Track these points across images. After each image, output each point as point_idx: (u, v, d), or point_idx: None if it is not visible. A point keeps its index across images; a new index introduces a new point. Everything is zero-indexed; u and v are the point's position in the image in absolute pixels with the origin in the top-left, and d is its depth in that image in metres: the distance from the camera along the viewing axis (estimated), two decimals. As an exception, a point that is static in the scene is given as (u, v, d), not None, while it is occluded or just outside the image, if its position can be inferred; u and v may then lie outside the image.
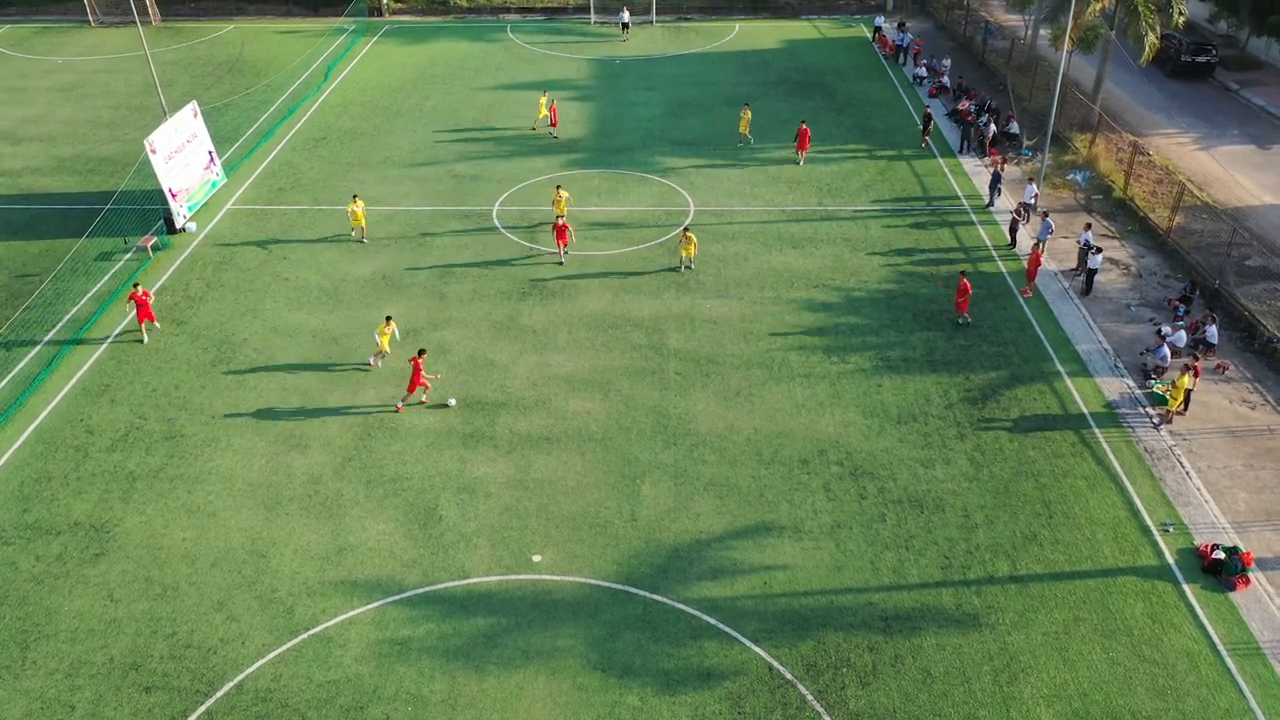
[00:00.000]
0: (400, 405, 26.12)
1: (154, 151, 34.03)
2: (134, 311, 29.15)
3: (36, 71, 52.78)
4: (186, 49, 56.07)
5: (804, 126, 40.36)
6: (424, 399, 26.30)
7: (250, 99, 47.70)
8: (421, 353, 25.90)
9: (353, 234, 34.63)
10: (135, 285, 29.18)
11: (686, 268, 32.18)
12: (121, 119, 45.99)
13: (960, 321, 29.17)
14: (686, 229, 32.30)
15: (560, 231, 32.34)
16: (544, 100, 43.67)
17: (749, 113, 42.19)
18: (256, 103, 47.27)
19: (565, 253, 32.92)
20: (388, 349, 27.50)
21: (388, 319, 27.71)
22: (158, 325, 29.57)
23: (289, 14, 62.20)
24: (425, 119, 45.44)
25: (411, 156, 41.46)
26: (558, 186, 35.00)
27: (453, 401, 26.00)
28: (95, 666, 19.36)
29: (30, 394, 27.08)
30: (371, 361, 27.76)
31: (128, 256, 33.75)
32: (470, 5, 63.16)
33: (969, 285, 28.91)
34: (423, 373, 25.73)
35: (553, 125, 43.59)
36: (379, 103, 47.53)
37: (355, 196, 34.61)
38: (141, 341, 28.89)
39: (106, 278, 32.47)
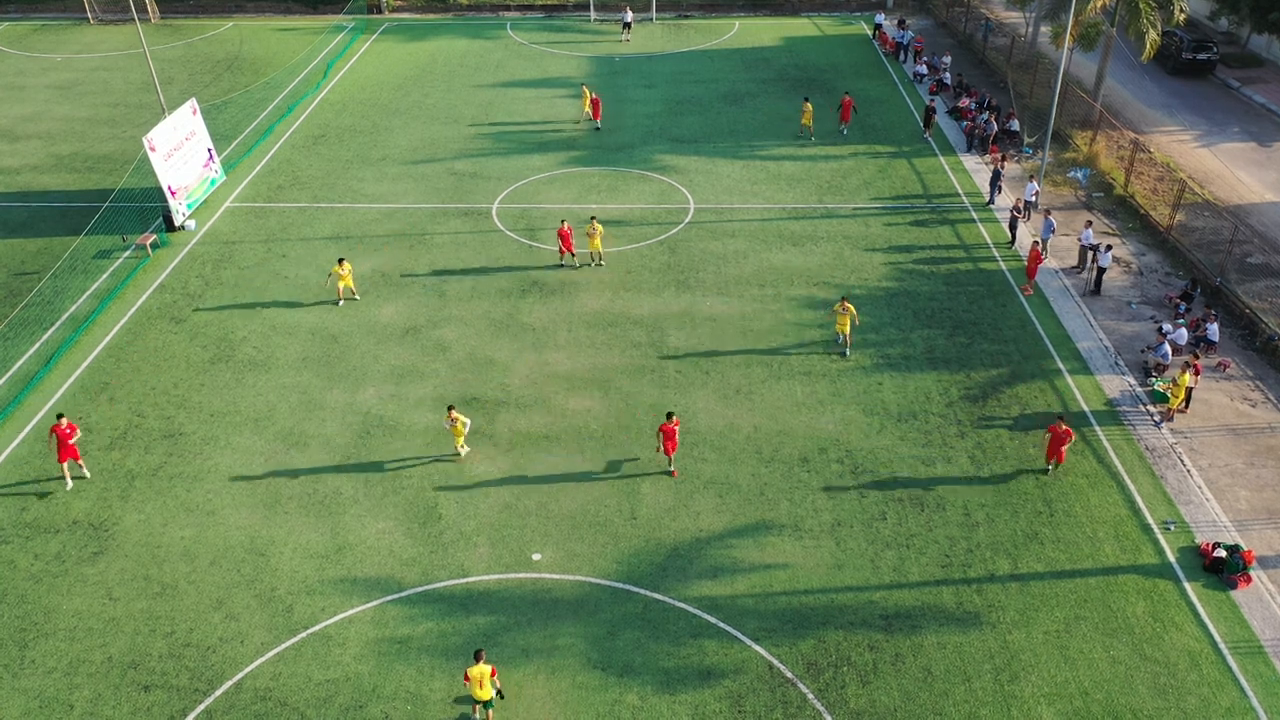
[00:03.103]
0: (675, 470, 23.76)
1: (153, 149, 33.95)
2: (54, 447, 23.57)
3: (35, 69, 52.67)
4: (185, 46, 55.96)
5: (847, 97, 42.45)
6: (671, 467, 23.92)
7: (249, 96, 47.61)
8: (670, 416, 23.26)
9: (340, 300, 30.66)
10: (60, 417, 23.64)
11: (841, 353, 27.82)
12: (120, 116, 45.90)
13: (1051, 467, 23.72)
14: (845, 298, 27.84)
15: (564, 237, 31.74)
16: (587, 93, 43.89)
17: (810, 106, 42.36)
18: (255, 100, 47.18)
19: (570, 259, 32.46)
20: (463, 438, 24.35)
21: (449, 408, 24.14)
22: (86, 472, 23.90)
23: (288, 11, 62.06)
24: (424, 116, 45.35)
25: (411, 154, 41.38)
26: (592, 218, 32.48)
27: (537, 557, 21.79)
28: (94, 665, 19.31)
29: (29, 392, 27.02)
30: (461, 453, 24.51)
31: (126, 254, 33.68)
32: (470, 3, 63.02)
33: (1071, 433, 23.28)
34: (675, 435, 23.25)
35: (595, 117, 43.58)
36: (378, 100, 47.44)
37: (341, 260, 30.48)
38: (66, 486, 23.59)
39: (105, 276, 32.41)
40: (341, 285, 30.58)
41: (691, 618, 20.17)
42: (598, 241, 32.09)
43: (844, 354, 27.80)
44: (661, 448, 23.51)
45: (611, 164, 40.22)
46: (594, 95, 43.73)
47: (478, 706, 17.96)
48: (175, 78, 50.17)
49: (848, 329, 27.73)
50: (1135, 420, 25.45)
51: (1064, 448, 23.30)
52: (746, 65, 51.80)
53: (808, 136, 42.32)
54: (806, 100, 42.98)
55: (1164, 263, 32.59)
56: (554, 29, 59.13)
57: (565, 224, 32.13)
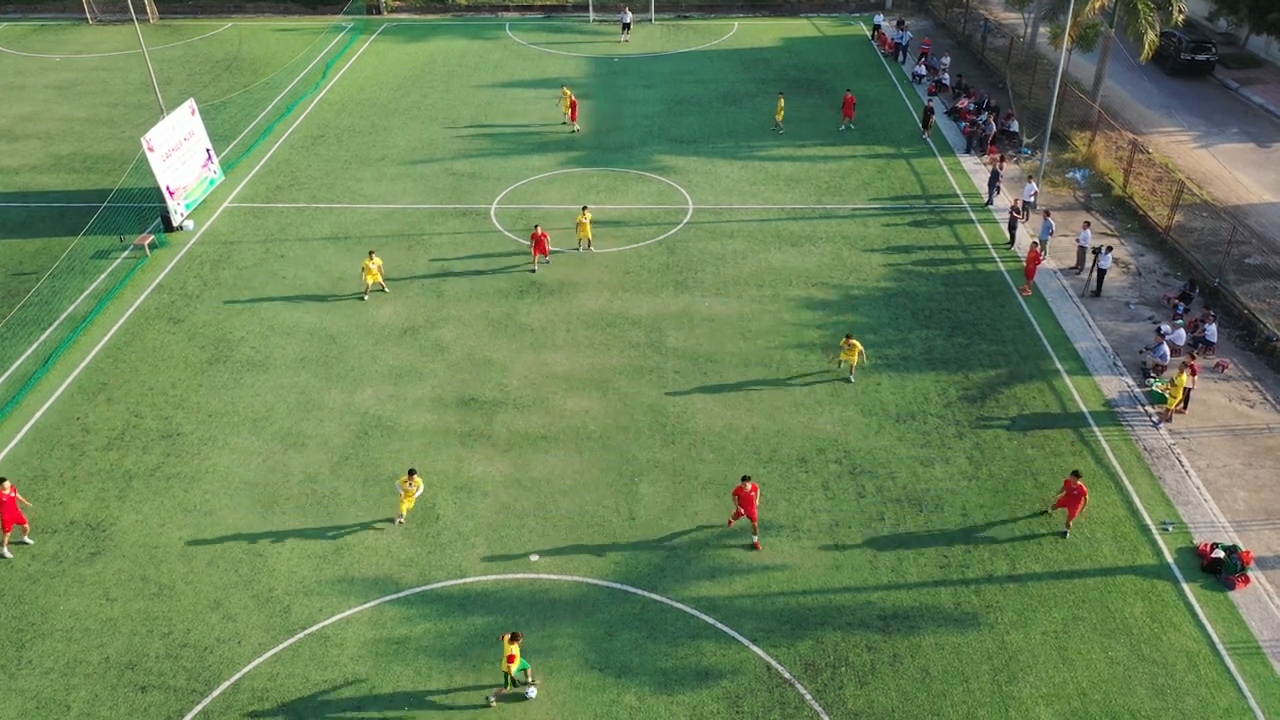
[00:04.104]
0: (758, 542, 21.82)
1: (151, 149, 33.93)
2: None
3: (34, 69, 52.64)
4: (184, 46, 55.94)
5: (849, 94, 43.24)
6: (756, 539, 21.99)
7: (248, 97, 47.59)
8: (746, 479, 21.43)
9: (367, 294, 30.94)
10: (1, 481, 21.81)
11: (845, 379, 26.98)
12: (119, 117, 45.87)
13: (1064, 532, 22.08)
14: (849, 335, 26.90)
15: (539, 241, 31.98)
16: (567, 94, 44.02)
17: (783, 100, 43.66)
18: (254, 100, 47.15)
19: (542, 261, 32.61)
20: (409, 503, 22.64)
21: (410, 473, 22.41)
22: (29, 539, 22.14)
23: (287, 11, 62.04)
24: (423, 117, 45.33)
25: (409, 154, 41.36)
26: (584, 208, 33.43)
27: (532, 692, 18.92)
28: (91, 666, 19.29)
29: (26, 392, 26.99)
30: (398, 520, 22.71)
31: (125, 254, 33.67)
32: (469, 3, 63.00)
33: (1085, 491, 21.54)
34: (756, 501, 21.56)
35: (572, 119, 43.58)
36: (377, 100, 47.42)
37: (372, 254, 30.93)
38: (6, 558, 21.80)
39: (103, 276, 32.39)
40: (370, 281, 30.86)
41: (689, 618, 20.16)
42: (587, 230, 32.80)
43: (850, 379, 26.95)
44: (738, 514, 21.84)
45: (610, 164, 40.21)
46: (573, 98, 43.68)
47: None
48: (174, 78, 50.14)
49: (855, 361, 26.69)
50: (1133, 421, 25.45)
51: (1079, 508, 21.56)
52: (745, 66, 51.80)
53: (779, 130, 42.98)
54: (780, 95, 44.14)
55: (1162, 263, 32.60)
56: (553, 29, 59.12)
57: (539, 229, 32.38)
